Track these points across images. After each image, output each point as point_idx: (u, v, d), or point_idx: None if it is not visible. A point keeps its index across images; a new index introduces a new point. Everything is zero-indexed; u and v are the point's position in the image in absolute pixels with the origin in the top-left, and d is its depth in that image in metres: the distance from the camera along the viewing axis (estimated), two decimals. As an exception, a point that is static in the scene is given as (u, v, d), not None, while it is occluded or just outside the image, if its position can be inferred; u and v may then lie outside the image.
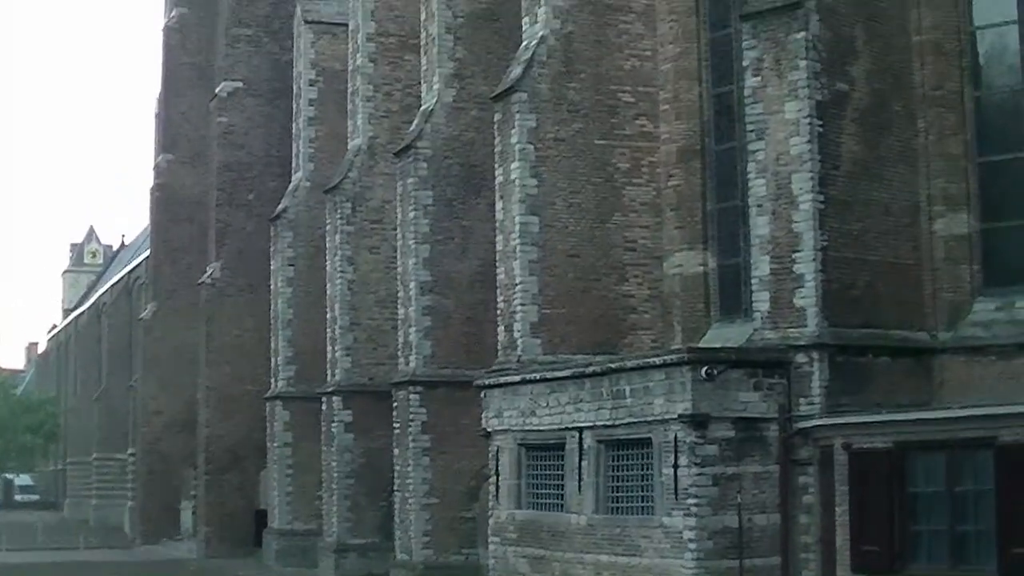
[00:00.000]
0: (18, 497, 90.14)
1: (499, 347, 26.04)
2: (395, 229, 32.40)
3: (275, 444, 40.70)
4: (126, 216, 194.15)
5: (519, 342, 25.18)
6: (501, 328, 25.95)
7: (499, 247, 26.13)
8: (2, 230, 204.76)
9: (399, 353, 31.87)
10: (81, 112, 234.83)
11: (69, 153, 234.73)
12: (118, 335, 69.42)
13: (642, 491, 21.41)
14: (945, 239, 21.80)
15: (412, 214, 30.89)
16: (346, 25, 36.81)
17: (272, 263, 41.04)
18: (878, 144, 21.47)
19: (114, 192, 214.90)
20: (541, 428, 23.52)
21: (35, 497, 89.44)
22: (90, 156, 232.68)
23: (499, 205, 26.14)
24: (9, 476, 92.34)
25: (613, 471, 22.04)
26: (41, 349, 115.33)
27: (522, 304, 25.22)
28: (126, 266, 74.97)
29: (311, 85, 39.64)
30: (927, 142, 21.95)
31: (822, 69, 20.76)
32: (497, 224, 26.24)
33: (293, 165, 40.93)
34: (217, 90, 47.03)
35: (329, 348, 36.16)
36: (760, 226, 21.11)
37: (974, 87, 22.04)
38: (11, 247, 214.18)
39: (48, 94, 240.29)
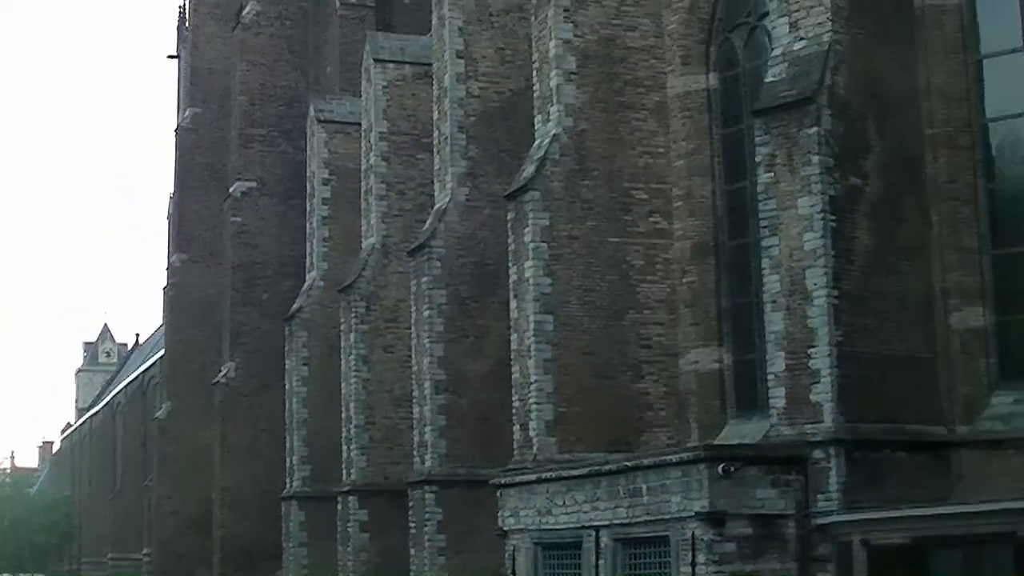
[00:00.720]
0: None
1: (515, 446, 25.91)
2: (410, 328, 32.36)
3: (290, 544, 40.50)
4: (141, 313, 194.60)
5: (534, 441, 25.07)
6: (516, 427, 25.84)
7: (514, 346, 26.07)
8: (16, 328, 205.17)
9: (414, 452, 31.74)
10: (96, 211, 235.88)
11: (84, 252, 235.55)
12: (133, 435, 69.41)
13: (660, 590, 21.21)
14: (960, 332, 21.65)
15: (427, 313, 30.88)
16: (359, 124, 37.03)
17: (287, 362, 41.02)
18: (892, 237, 21.39)
19: (129, 290, 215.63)
20: (557, 527, 23.33)
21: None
22: (105, 255, 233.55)
23: (513, 304, 26.13)
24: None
25: (630, 570, 21.80)
26: (55, 448, 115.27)
27: (537, 403, 25.12)
28: (140, 365, 75.09)
29: (324, 184, 39.81)
30: (941, 235, 21.85)
31: (835, 164, 20.72)
32: (511, 323, 26.21)
33: (307, 264, 41.03)
34: (231, 190, 47.32)
35: (344, 447, 36.06)
36: (775, 322, 21.01)
37: (987, 179, 21.95)
38: (25, 345, 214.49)
39: (64, 193, 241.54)
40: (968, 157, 21.93)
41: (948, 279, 21.75)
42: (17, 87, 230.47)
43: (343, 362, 36.27)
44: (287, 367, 40.93)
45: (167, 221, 59.30)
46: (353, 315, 35.57)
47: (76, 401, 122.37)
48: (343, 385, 36.21)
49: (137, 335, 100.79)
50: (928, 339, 21.63)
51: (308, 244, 40.88)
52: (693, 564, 20.12)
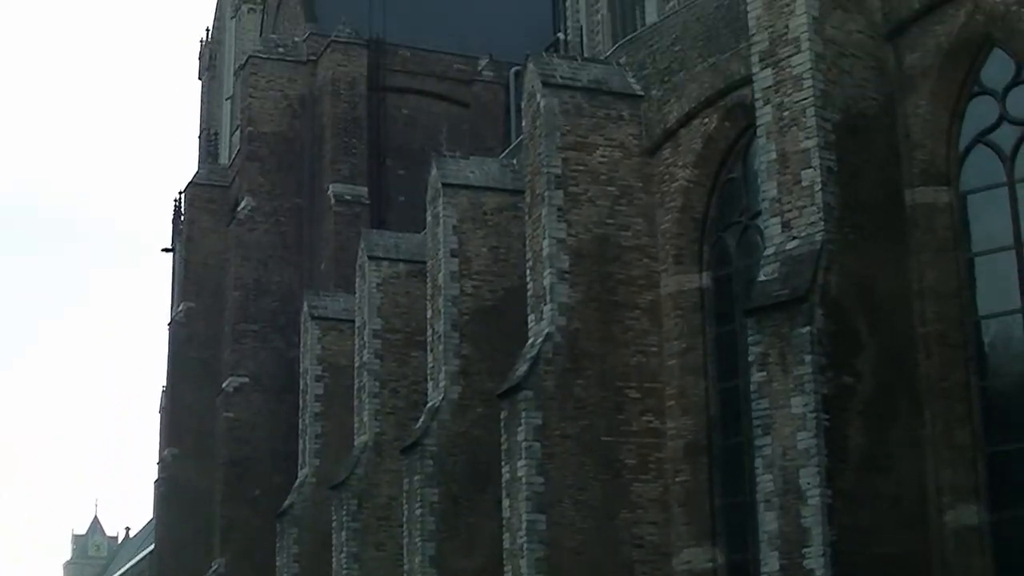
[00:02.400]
0: None
1: (508, 649, 25.59)
2: (401, 526, 32.12)
3: None
4: (132, 504, 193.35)
5: (527, 643, 24.76)
6: (509, 628, 25.55)
7: (506, 545, 25.85)
8: (2, 519, 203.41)
9: (406, 651, 31.33)
10: (89, 402, 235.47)
11: (74, 442, 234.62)
12: (121, 631, 68.62)
13: None
14: (955, 530, 21.51)
15: (418, 511, 30.65)
16: (352, 321, 37.13)
17: (278, 559, 40.58)
18: (885, 436, 21.36)
19: (120, 480, 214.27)
20: None
21: None
22: (94, 445, 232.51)
23: (506, 503, 25.96)
24: None
25: None
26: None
27: (530, 602, 24.86)
28: (130, 560, 74.42)
29: (317, 381, 39.77)
30: (934, 432, 21.81)
31: (827, 363, 20.77)
32: (504, 522, 26.01)
33: (299, 461, 40.80)
34: (224, 385, 47.26)
35: (335, 646, 35.58)
36: (768, 521, 20.88)
37: (980, 377, 21.99)
38: (11, 535, 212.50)
39: (56, 383, 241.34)
40: (960, 355, 22.00)
41: (942, 477, 21.68)
42: (19, 290, 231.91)
43: (334, 559, 35.90)
44: (278, 563, 40.49)
45: (159, 414, 59.13)
46: (345, 512, 35.32)
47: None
48: (334, 582, 35.83)
49: (127, 528, 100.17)
50: (923, 538, 21.48)
51: (300, 440, 40.71)
52: None
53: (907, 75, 22.71)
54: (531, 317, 26.58)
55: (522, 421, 25.48)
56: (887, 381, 21.54)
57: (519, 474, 25.40)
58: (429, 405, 31.42)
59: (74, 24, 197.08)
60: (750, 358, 21.68)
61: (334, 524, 36.08)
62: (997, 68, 22.25)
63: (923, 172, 22.43)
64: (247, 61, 50.98)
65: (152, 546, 59.00)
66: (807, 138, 21.55)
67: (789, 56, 22.02)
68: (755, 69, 22.68)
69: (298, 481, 40.56)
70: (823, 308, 20.93)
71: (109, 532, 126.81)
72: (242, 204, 49.04)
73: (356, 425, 36.06)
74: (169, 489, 53.72)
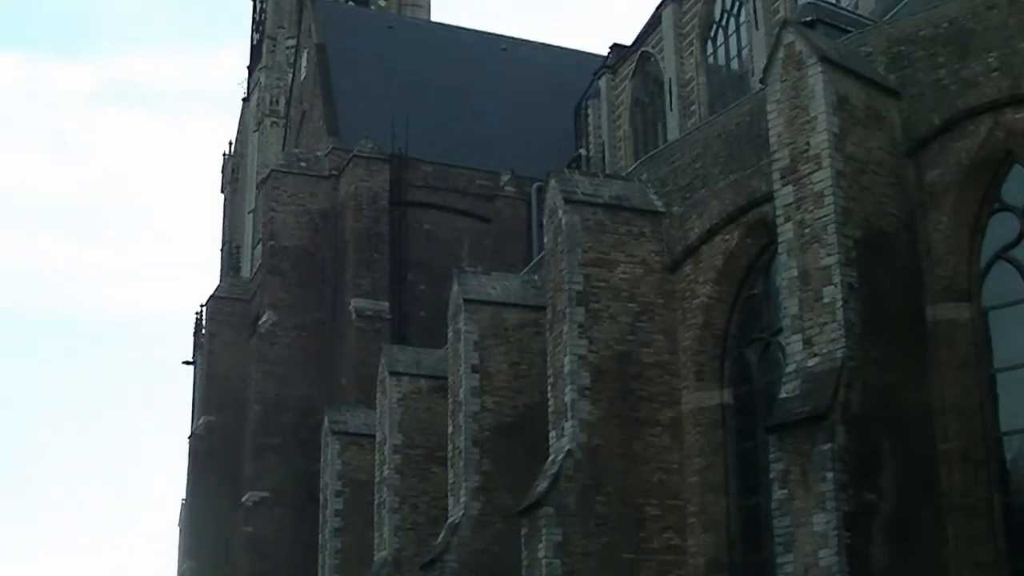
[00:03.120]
0: None
1: None
2: (423, 644, 31.87)
3: None
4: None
5: None
6: None
7: (526, 661, 25.66)
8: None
9: None
10: (107, 515, 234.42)
11: (89, 554, 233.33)
12: None
13: None
14: (981, 649, 21.34)
15: (440, 627, 30.45)
16: (373, 436, 37.10)
17: (299, 671, 40.39)
18: (908, 553, 21.18)
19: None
20: None
21: None
22: (112, 559, 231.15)
23: (527, 619, 25.79)
24: None
25: None
26: None
27: None
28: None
29: (337, 496, 39.64)
30: (957, 550, 21.61)
31: (849, 480, 20.65)
32: (524, 638, 25.83)
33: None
34: (244, 499, 47.16)
35: None
36: (792, 639, 20.72)
37: (1003, 493, 21.84)
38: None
39: (73, 495, 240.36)
40: (983, 472, 21.86)
41: (965, 594, 21.51)
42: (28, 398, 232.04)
43: (355, 675, 35.71)
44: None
45: (178, 527, 59.00)
46: (365, 628, 35.12)
47: None
48: None
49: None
50: (945, 655, 21.30)
51: (320, 555, 40.50)
52: None
53: (928, 191, 22.80)
54: (552, 433, 26.52)
55: (542, 538, 25.33)
56: (909, 498, 21.41)
57: (540, 591, 25.23)
58: (449, 521, 31.27)
59: (98, 134, 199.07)
60: (771, 475, 21.56)
61: (355, 638, 35.87)
62: (1017, 184, 22.33)
63: (944, 288, 22.45)
64: (269, 175, 51.38)
65: (171, 661, 58.66)
66: (828, 255, 21.58)
67: (810, 173, 22.12)
68: (776, 186, 22.78)
69: (318, 597, 40.35)
70: (844, 425, 20.84)
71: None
72: (263, 318, 49.20)
73: (376, 540, 35.89)
74: (188, 604, 53.53)
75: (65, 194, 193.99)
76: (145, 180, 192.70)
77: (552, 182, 27.67)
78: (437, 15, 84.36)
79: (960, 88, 22.60)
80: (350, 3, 78.86)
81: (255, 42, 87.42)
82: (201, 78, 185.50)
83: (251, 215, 73.90)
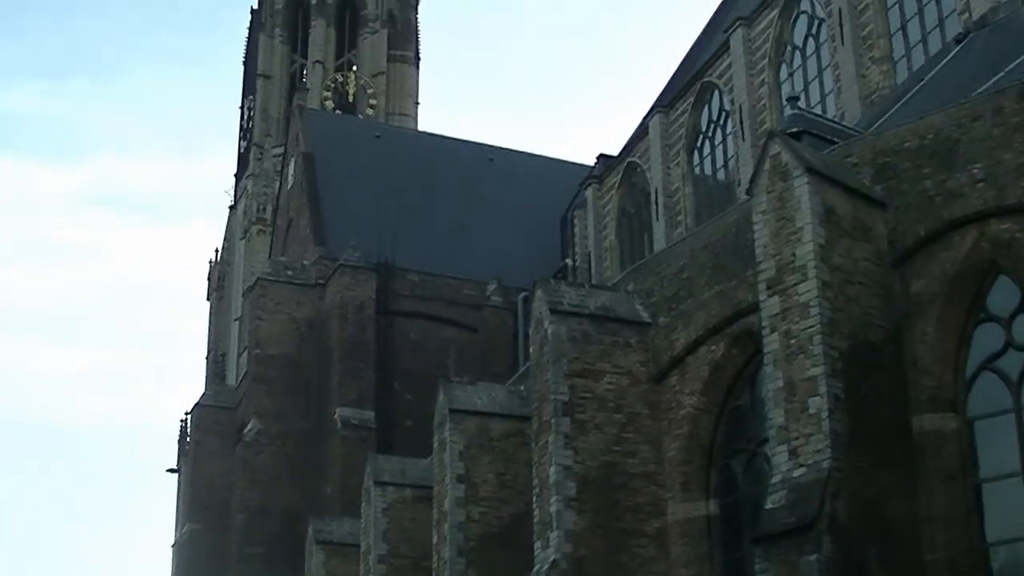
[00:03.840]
0: None
1: None
2: None
3: None
4: None
5: None
6: None
7: None
8: None
9: None
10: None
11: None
12: None
13: None
14: None
15: None
16: (358, 546, 36.87)
17: None
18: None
19: None
20: None
21: None
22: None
23: None
24: None
25: None
26: None
27: None
28: None
29: (324, 605, 39.39)
30: (944, 659, 21.57)
31: (835, 591, 20.59)
32: None
33: None
34: (230, 605, 46.88)
35: None
36: None
37: (991, 603, 21.81)
38: None
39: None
40: (970, 581, 21.79)
41: None
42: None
43: None
44: None
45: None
46: None
47: None
48: None
49: None
50: None
51: (307, 663, 40.23)
52: None
53: (913, 302, 22.85)
54: (537, 544, 26.34)
55: (529, 644, 25.17)
56: (897, 609, 21.33)
57: None
58: (435, 643, 31.01)
59: (84, 239, 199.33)
60: (758, 585, 21.48)
61: None
62: (1003, 295, 22.40)
63: (930, 399, 22.43)
64: (256, 283, 51.45)
65: None
66: (814, 366, 21.58)
67: (796, 284, 22.18)
68: (762, 297, 22.82)
69: None
70: (831, 536, 20.75)
71: None
72: (249, 426, 49.09)
73: (363, 649, 35.61)
74: None
75: (50, 299, 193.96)
76: (131, 286, 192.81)
77: (538, 292, 27.72)
78: (424, 124, 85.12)
79: (945, 199, 22.74)
80: (338, 111, 79.42)
81: (242, 150, 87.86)
82: (188, 185, 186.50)
83: (237, 323, 73.87)
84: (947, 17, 34.30)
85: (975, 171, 22.45)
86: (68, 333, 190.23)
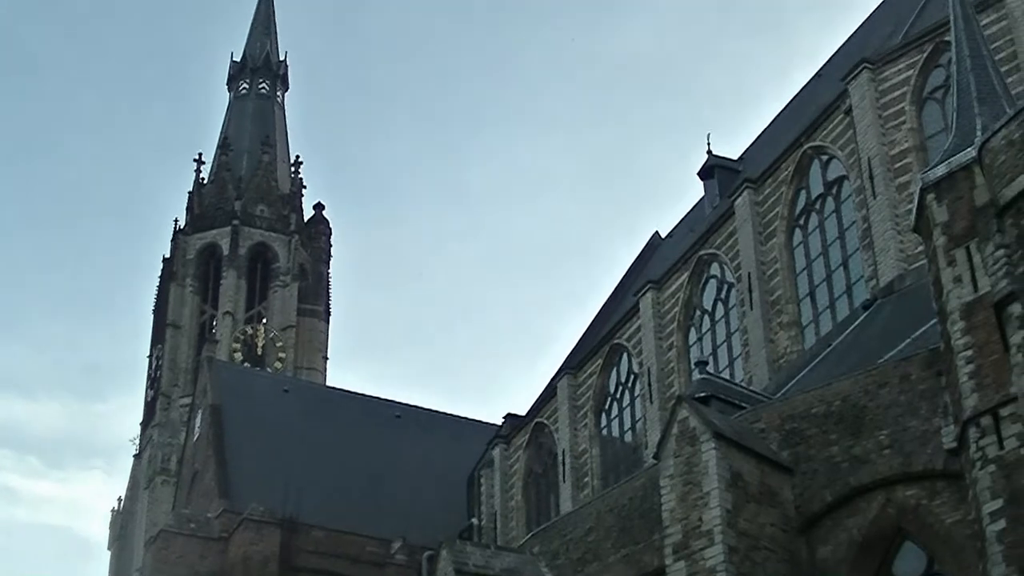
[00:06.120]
0: None
1: None
2: None
3: None
4: None
5: None
6: None
7: None
8: None
9: None
10: None
11: None
12: None
13: None
14: None
15: None
16: None
17: None
18: None
19: None
20: None
21: None
22: None
23: None
24: None
25: None
26: None
27: None
28: None
29: None
30: None
31: None
32: None
33: None
34: None
35: None
36: None
37: None
38: None
39: None
40: None
41: None
42: None
43: None
44: None
45: None
46: None
47: None
48: None
49: None
50: None
51: None
52: None
53: (820, 568, 22.80)
54: None
55: None
56: None
57: None
58: None
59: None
60: None
61: None
62: (909, 560, 22.40)
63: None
64: (158, 535, 50.58)
65: None
66: (719, 633, 21.43)
67: (702, 549, 22.09)
68: (668, 561, 22.69)
69: None
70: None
71: None
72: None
73: None
74: None
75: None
76: (31, 535, 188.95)
77: (443, 553, 27.35)
78: (332, 379, 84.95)
79: (852, 465, 22.84)
80: (246, 364, 79.17)
81: (149, 398, 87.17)
82: (92, 431, 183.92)
83: (138, 574, 72.32)
84: (855, 283, 34.78)
85: (881, 437, 22.62)
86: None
